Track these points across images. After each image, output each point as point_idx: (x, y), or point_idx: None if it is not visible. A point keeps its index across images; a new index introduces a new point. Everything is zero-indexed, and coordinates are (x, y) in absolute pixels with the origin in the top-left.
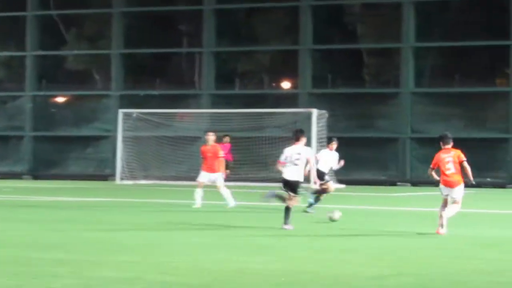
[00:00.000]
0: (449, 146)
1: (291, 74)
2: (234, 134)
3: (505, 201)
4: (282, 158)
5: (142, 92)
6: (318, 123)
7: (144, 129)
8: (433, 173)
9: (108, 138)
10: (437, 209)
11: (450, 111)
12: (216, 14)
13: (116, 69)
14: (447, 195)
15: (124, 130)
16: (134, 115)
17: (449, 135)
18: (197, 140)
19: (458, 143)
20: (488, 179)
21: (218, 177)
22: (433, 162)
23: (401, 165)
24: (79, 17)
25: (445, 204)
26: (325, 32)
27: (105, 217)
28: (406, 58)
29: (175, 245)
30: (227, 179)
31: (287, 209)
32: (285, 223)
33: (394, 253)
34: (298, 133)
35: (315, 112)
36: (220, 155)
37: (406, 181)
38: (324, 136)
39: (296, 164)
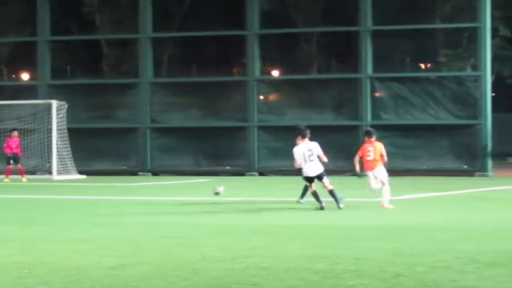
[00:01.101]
0: (373, 139)
1: (30, 65)
2: None
3: (244, 189)
4: (298, 157)
5: None
6: (58, 114)
7: None
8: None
9: None
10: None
11: (189, 100)
12: None
13: None
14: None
15: None
16: None
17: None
18: None
19: (196, 133)
20: (228, 167)
21: None
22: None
23: (142, 155)
24: None
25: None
26: (63, 23)
27: None
28: (144, 49)
29: None
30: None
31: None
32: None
33: (133, 242)
34: (306, 130)
35: (54, 103)
36: None
37: (147, 171)
38: (64, 127)
39: (312, 161)
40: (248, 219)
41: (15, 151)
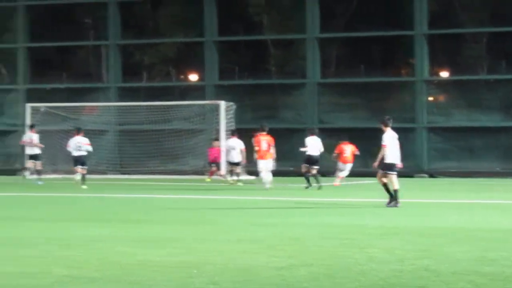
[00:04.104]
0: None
1: (198, 66)
2: (141, 126)
3: (411, 191)
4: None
5: (48, 86)
6: (226, 115)
7: (52, 123)
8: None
9: (16, 133)
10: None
11: (355, 101)
12: (120, 6)
13: (21, 63)
14: None
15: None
16: (42, 109)
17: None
18: (105, 133)
19: (363, 133)
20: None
21: None
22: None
23: None
24: None
25: None
26: (230, 24)
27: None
28: (311, 49)
29: (74, 238)
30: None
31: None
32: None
33: (299, 243)
34: (390, 119)
35: (223, 104)
36: None
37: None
38: (233, 127)
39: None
40: (413, 220)
41: (216, 157)
